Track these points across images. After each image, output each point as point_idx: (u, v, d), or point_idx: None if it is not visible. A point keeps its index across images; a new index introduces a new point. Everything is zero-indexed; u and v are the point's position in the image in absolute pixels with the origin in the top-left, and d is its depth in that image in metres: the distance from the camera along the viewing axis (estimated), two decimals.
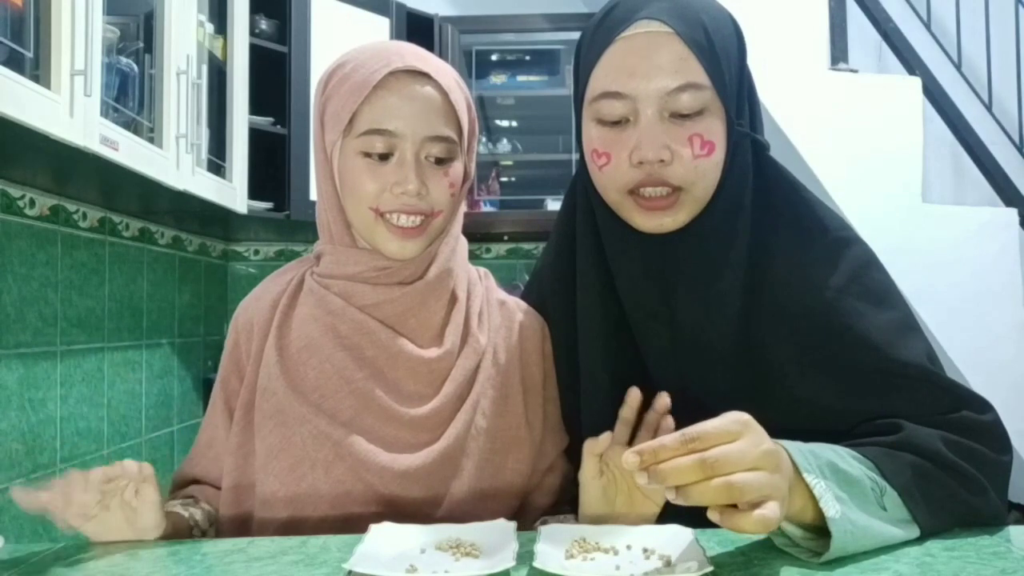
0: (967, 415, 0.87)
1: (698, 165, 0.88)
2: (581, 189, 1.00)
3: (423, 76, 0.94)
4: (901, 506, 0.79)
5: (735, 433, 0.68)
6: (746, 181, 0.93)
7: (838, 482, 0.75)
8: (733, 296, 0.92)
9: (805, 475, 0.73)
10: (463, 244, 1.04)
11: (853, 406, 0.89)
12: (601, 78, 0.90)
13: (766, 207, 0.94)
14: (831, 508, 0.72)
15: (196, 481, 1.04)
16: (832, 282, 0.92)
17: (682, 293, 0.93)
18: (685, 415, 0.95)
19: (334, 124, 0.95)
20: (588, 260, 0.99)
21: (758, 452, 0.67)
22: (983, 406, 0.89)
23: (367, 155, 0.94)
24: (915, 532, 0.80)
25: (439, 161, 0.95)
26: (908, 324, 0.93)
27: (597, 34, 0.92)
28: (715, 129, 0.88)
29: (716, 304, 0.92)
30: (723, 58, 0.88)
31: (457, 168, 0.97)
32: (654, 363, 0.97)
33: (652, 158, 0.86)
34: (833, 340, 0.90)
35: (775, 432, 0.85)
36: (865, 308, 0.91)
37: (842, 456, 0.79)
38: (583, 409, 1.00)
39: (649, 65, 0.86)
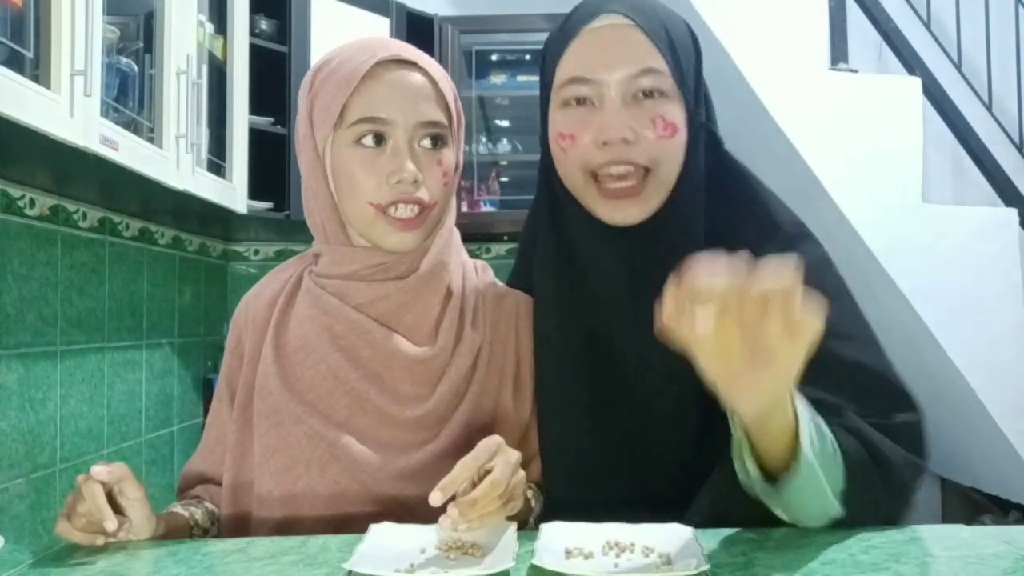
0: (900, 418, 0.87)
1: (663, 145, 0.90)
2: (544, 183, 1.01)
3: (410, 64, 0.95)
4: (841, 479, 0.79)
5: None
6: (702, 172, 0.94)
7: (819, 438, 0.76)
8: None
9: (801, 421, 0.73)
10: (456, 236, 1.05)
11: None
12: (568, 67, 0.93)
13: (723, 201, 0.94)
14: (807, 444, 0.73)
15: (205, 477, 1.05)
16: None
17: (651, 284, 0.93)
18: (658, 406, 0.95)
19: (324, 119, 0.95)
20: (548, 252, 1.00)
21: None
22: (910, 405, 0.88)
23: (360, 145, 0.93)
24: (834, 510, 0.80)
25: (432, 144, 0.95)
26: (855, 322, 0.92)
27: (563, 31, 0.95)
28: (676, 114, 0.91)
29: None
30: (681, 52, 0.91)
31: (449, 156, 0.97)
32: (619, 342, 0.96)
33: (615, 137, 0.89)
34: None
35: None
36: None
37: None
38: (540, 410, 1.00)
39: (614, 54, 0.90)
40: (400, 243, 0.95)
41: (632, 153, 0.89)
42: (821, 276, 0.92)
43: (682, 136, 0.90)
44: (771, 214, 0.96)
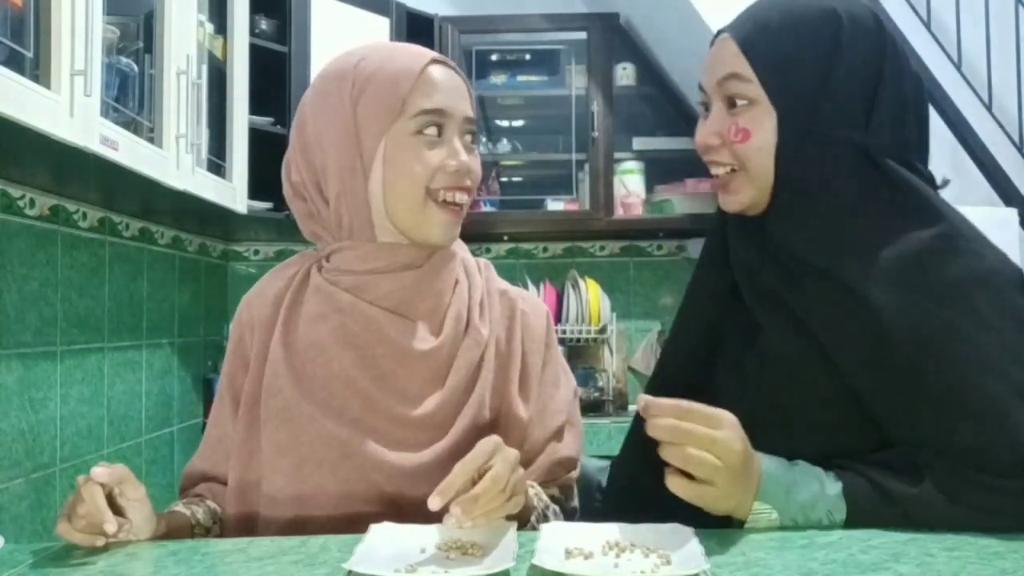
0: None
1: (736, 150, 0.98)
2: None
3: (450, 66, 1.01)
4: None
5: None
6: (817, 172, 0.95)
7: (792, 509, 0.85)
8: (812, 274, 0.94)
9: (756, 503, 0.85)
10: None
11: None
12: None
13: (870, 207, 0.94)
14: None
15: (207, 476, 1.04)
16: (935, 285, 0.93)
17: (768, 267, 0.98)
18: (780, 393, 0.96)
19: (379, 112, 0.96)
20: (713, 239, 1.10)
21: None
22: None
23: (421, 135, 0.97)
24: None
25: (472, 139, 1.02)
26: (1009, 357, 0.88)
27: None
28: (759, 119, 0.96)
29: (794, 282, 0.96)
30: (782, 61, 0.94)
31: (477, 152, 1.03)
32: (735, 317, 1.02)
33: (702, 144, 1.01)
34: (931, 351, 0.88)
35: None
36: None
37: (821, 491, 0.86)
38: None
39: (710, 64, 1.02)
40: (444, 234, 0.99)
41: (719, 155, 1.00)
42: (968, 298, 0.91)
43: (758, 141, 0.96)
44: (924, 228, 0.96)
